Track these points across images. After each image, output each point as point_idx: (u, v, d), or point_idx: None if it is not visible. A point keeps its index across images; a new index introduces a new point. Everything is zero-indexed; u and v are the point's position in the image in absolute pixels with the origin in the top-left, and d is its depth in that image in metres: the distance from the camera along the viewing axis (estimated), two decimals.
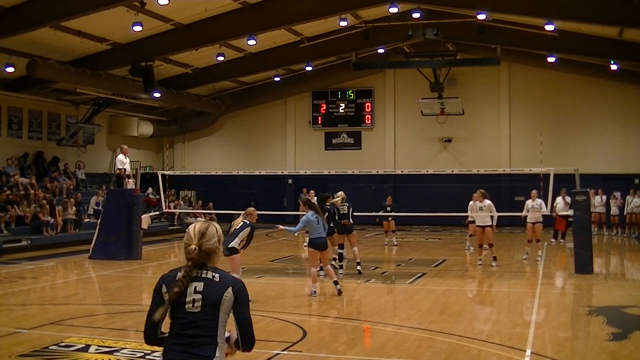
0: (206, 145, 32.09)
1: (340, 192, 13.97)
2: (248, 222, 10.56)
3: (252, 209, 10.95)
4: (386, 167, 28.50)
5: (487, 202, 14.70)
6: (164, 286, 3.42)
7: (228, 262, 9.97)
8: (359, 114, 30.10)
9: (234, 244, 10.20)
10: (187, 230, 3.50)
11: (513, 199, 26.09)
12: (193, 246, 3.39)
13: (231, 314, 3.43)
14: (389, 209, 19.27)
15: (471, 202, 16.33)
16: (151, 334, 3.46)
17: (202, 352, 3.33)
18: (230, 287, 3.39)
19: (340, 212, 13.65)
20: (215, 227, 3.50)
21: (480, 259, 15.24)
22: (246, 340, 3.45)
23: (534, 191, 15.88)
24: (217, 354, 3.36)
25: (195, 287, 3.36)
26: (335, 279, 11.60)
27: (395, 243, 19.95)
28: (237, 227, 10.48)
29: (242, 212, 10.76)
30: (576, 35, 21.92)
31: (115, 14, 17.88)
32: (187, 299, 3.35)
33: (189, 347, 3.33)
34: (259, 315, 10.00)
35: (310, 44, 24.16)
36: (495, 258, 15.12)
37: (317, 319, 9.86)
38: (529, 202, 15.81)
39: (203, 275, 3.40)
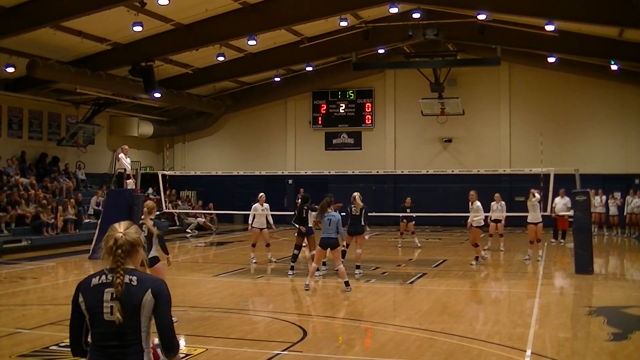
0: (206, 145, 32.09)
1: (355, 193, 13.96)
2: (154, 221, 9.18)
3: (151, 202, 9.60)
4: (386, 168, 28.50)
5: (477, 203, 15.28)
6: (80, 295, 3.27)
7: (153, 274, 9.31)
8: (359, 114, 30.11)
9: (153, 252, 9.03)
10: (109, 229, 3.34)
11: (513, 199, 26.05)
12: (119, 234, 3.24)
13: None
14: (408, 210, 18.98)
15: (493, 202, 17.10)
16: (76, 348, 3.30)
17: None
18: (150, 289, 3.18)
19: (353, 213, 13.70)
20: (137, 227, 3.38)
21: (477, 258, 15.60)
22: (167, 345, 3.20)
23: (532, 190, 15.79)
24: None
25: (112, 294, 3.16)
26: (347, 279, 11.78)
27: (419, 245, 19.31)
28: (145, 233, 8.96)
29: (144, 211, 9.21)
30: (576, 36, 21.92)
31: (116, 14, 17.89)
32: (104, 308, 3.17)
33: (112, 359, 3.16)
34: (259, 316, 10.02)
35: (310, 44, 24.17)
36: (476, 258, 15.50)
37: (317, 319, 9.85)
38: (531, 201, 15.77)
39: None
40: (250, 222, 15.71)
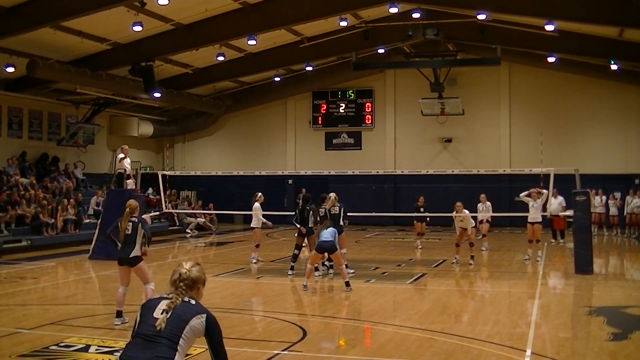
0: (206, 145, 32.09)
1: (332, 194, 13.94)
2: (137, 219, 9.04)
3: (132, 200, 9.35)
4: (386, 168, 28.50)
5: (466, 211, 15.58)
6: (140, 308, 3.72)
7: (136, 274, 9.02)
8: (359, 114, 30.11)
9: (136, 251, 8.89)
10: (179, 263, 3.83)
11: (513, 199, 26.05)
12: (185, 270, 3.73)
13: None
14: (422, 209, 18.60)
15: (479, 204, 17.50)
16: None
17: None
18: (206, 315, 3.64)
19: (332, 212, 13.61)
20: (202, 269, 3.85)
21: (472, 257, 15.81)
22: None
23: (533, 191, 15.80)
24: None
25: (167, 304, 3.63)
26: (347, 279, 11.82)
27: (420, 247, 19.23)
28: (129, 232, 8.91)
29: (127, 210, 9.01)
30: (576, 36, 21.92)
31: (116, 14, 17.89)
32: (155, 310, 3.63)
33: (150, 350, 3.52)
34: (259, 316, 10.02)
35: (310, 44, 24.17)
36: (472, 257, 15.73)
37: (317, 319, 9.85)
38: (530, 201, 15.77)
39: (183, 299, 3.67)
40: (262, 221, 15.75)
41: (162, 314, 3.55)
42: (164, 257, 17.97)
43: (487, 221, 18.30)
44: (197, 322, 3.58)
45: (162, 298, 3.67)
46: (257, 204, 15.64)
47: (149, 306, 3.66)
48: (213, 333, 3.63)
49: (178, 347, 3.51)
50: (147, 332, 3.54)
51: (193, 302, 3.67)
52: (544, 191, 15.79)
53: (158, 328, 3.51)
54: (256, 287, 12.85)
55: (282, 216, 20.67)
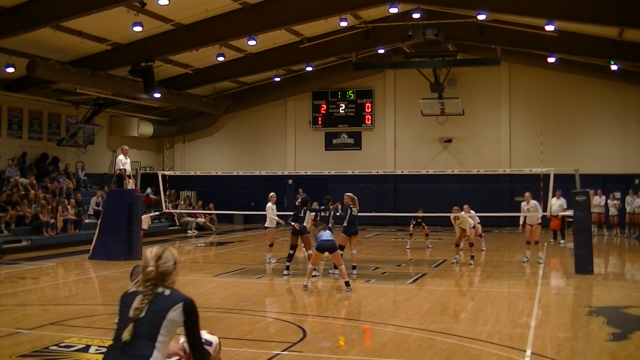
0: (206, 145, 32.09)
1: (349, 194, 13.94)
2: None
3: None
4: (386, 168, 28.50)
5: (463, 213, 15.79)
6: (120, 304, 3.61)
7: None
8: (359, 115, 30.11)
9: None
10: (144, 253, 3.65)
11: (513, 199, 26.07)
12: (151, 268, 3.55)
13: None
14: (420, 220, 18.77)
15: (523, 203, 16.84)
16: None
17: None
18: (182, 303, 3.51)
19: (353, 213, 13.56)
20: (172, 252, 3.66)
21: (472, 256, 15.85)
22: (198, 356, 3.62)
23: (526, 194, 15.74)
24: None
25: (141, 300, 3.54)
26: (347, 279, 11.85)
27: (431, 247, 19.18)
28: None
29: None
30: (576, 36, 21.93)
31: (116, 14, 17.90)
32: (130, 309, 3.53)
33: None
34: (258, 316, 10.01)
35: (310, 44, 24.17)
36: (472, 257, 15.79)
37: (317, 319, 9.85)
38: (523, 205, 15.77)
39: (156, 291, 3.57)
40: (275, 221, 15.70)
41: (135, 311, 3.46)
42: None
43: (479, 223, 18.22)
44: (174, 314, 3.48)
45: (137, 293, 3.53)
46: (269, 204, 15.61)
47: (125, 303, 3.55)
48: (189, 320, 3.50)
49: (156, 344, 3.43)
50: (122, 336, 3.45)
51: (167, 292, 3.54)
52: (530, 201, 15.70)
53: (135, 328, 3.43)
54: (256, 287, 12.84)
55: (282, 216, 20.65)
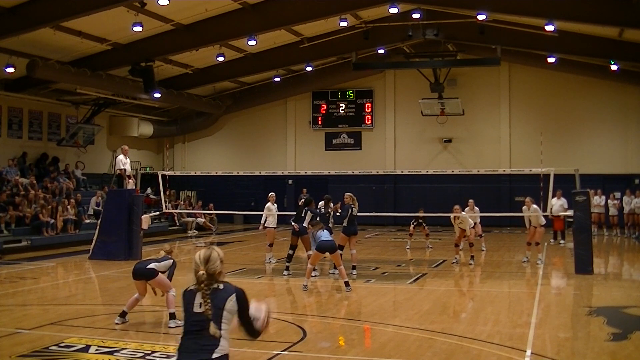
0: (206, 145, 32.09)
1: (349, 193, 13.98)
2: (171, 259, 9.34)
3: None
4: (386, 168, 28.50)
5: (464, 213, 15.93)
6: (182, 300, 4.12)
7: (155, 286, 9.07)
8: (359, 115, 30.11)
9: (153, 265, 8.96)
10: (194, 257, 4.11)
11: (513, 199, 26.11)
12: (201, 272, 4.02)
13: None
14: (421, 220, 18.74)
15: (467, 208, 17.11)
16: None
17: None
18: (234, 294, 4.05)
19: (353, 213, 13.61)
20: (217, 252, 4.13)
21: (472, 256, 15.90)
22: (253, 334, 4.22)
23: (527, 199, 15.70)
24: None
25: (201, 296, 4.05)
26: (347, 279, 11.87)
27: (431, 247, 19.20)
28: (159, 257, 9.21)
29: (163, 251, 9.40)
30: (576, 36, 21.92)
31: (116, 14, 17.90)
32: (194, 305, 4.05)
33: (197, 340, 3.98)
34: None
35: (310, 44, 24.17)
36: (472, 257, 15.83)
37: (317, 319, 9.85)
38: (524, 209, 15.75)
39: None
40: (262, 222, 15.68)
41: (200, 308, 3.96)
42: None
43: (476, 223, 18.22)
44: (230, 304, 4.00)
45: (196, 290, 4.01)
46: (269, 204, 15.62)
47: (187, 300, 4.04)
48: (241, 307, 4.05)
49: (221, 333, 3.96)
50: (192, 328, 3.98)
51: (221, 286, 4.04)
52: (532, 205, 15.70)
53: (201, 321, 3.94)
54: (256, 287, 12.84)
55: (282, 216, 20.66)
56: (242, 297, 4.08)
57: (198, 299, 4.01)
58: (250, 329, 4.13)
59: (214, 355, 3.92)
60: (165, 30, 20.58)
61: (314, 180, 27.90)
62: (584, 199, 14.32)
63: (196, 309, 3.99)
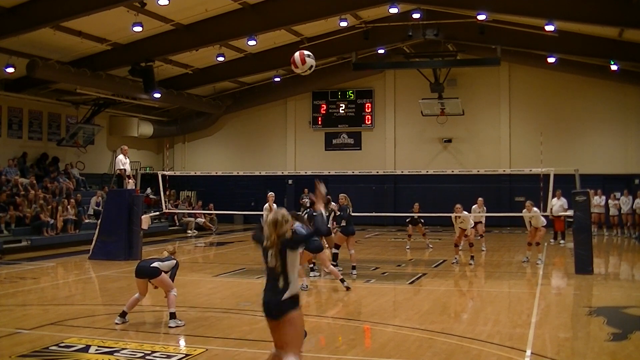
0: (206, 145, 32.09)
1: (343, 195, 14.14)
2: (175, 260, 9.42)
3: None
4: (386, 168, 28.51)
5: (465, 213, 15.96)
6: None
7: (157, 285, 9.04)
8: (359, 115, 30.11)
9: (156, 264, 9.01)
10: (264, 224, 5.33)
11: (513, 199, 26.12)
12: (274, 236, 5.15)
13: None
14: (416, 216, 18.70)
15: (474, 206, 17.40)
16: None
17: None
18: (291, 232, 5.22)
19: (349, 213, 13.77)
20: (283, 214, 5.22)
21: (472, 257, 15.92)
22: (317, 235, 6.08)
23: (527, 203, 15.66)
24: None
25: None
26: (341, 277, 11.96)
27: (431, 246, 19.23)
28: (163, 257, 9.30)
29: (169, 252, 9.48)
30: (576, 36, 21.92)
31: (116, 14, 17.90)
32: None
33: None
34: (258, 316, 9.99)
35: (310, 44, 24.11)
36: (472, 257, 15.86)
37: (317, 319, 9.84)
38: (525, 213, 15.74)
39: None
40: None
41: (271, 257, 5.17)
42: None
43: (481, 222, 18.27)
44: (289, 245, 5.18)
45: (271, 246, 5.21)
46: (267, 205, 15.66)
47: (264, 253, 5.26)
48: (297, 237, 5.32)
49: (289, 276, 5.19)
50: (268, 276, 5.26)
51: (287, 234, 5.17)
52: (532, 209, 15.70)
53: (272, 269, 5.20)
54: (256, 287, 12.83)
55: None
56: (296, 232, 5.29)
57: (270, 253, 5.15)
58: (313, 234, 5.60)
59: (285, 296, 5.18)
60: (165, 30, 20.58)
61: (314, 180, 27.85)
62: (584, 199, 14.32)
63: (269, 260, 5.20)
